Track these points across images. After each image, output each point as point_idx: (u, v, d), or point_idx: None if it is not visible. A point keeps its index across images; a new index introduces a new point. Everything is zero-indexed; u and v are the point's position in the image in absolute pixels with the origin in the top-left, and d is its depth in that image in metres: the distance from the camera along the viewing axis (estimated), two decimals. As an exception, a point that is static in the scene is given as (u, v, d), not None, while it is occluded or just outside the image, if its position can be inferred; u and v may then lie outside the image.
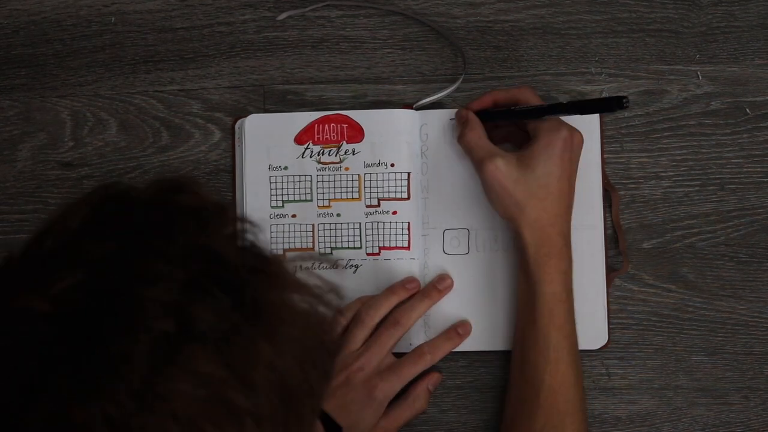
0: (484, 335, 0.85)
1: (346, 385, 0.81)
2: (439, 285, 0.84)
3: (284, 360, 0.49)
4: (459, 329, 0.84)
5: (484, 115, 0.83)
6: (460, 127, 0.83)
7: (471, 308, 0.85)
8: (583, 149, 0.84)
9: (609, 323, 0.85)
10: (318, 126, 0.87)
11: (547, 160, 0.78)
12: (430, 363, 0.83)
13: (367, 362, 0.81)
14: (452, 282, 0.85)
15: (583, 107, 0.79)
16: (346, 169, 0.86)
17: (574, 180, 0.81)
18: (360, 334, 0.83)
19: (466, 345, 0.85)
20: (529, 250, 0.79)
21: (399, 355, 0.83)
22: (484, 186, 0.81)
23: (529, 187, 0.78)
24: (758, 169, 0.86)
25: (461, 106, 0.86)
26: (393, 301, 0.84)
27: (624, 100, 0.75)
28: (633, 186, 0.86)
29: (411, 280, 0.85)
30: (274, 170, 0.87)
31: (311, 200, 0.87)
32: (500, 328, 0.85)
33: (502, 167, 0.79)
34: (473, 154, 0.81)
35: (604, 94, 0.87)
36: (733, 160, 0.86)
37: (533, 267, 0.79)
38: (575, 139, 0.80)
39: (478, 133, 0.82)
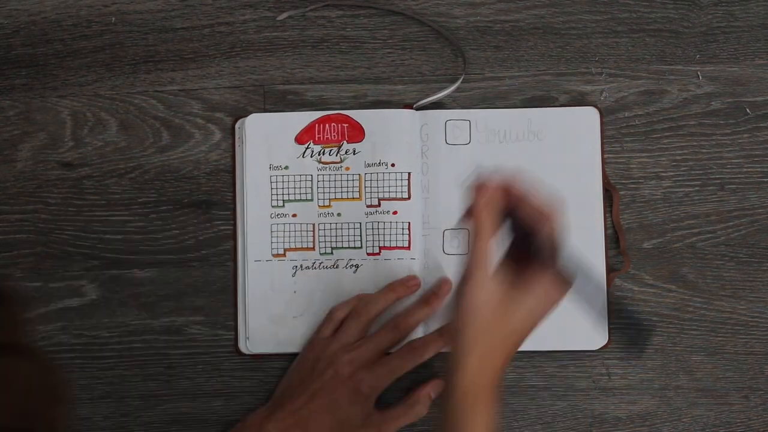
0: (485, 335, 0.85)
1: (333, 378, 0.80)
2: (439, 291, 0.84)
3: None
4: (438, 290, 0.83)
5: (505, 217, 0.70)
6: (476, 196, 0.69)
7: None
8: (583, 149, 0.85)
9: (609, 323, 0.85)
10: (318, 126, 0.87)
11: (530, 313, 0.68)
12: (420, 357, 0.82)
13: (357, 357, 0.81)
14: (452, 288, 0.85)
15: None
16: (347, 168, 0.86)
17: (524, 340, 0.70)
18: (354, 328, 0.82)
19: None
20: (456, 394, 0.67)
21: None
22: (461, 292, 0.68)
23: (496, 327, 0.67)
24: (758, 169, 0.86)
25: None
26: (391, 297, 0.84)
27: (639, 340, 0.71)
28: (633, 186, 0.86)
29: (412, 278, 0.85)
30: (274, 170, 0.87)
31: (312, 200, 0.87)
32: (500, 328, 0.85)
33: (487, 297, 0.67)
34: (471, 256, 0.68)
35: (604, 95, 0.87)
36: (733, 160, 0.86)
37: (458, 413, 0.67)
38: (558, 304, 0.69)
39: (486, 240, 0.68)
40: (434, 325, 0.85)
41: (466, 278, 0.68)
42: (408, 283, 0.84)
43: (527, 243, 0.68)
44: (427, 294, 0.84)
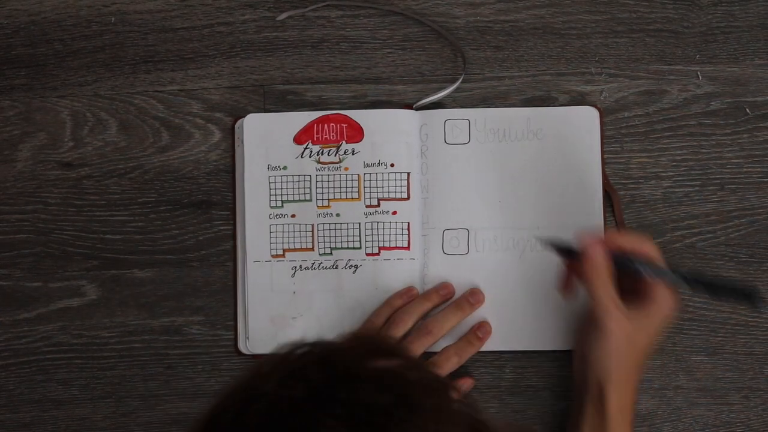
0: (484, 335, 0.85)
1: None
2: (472, 298, 0.84)
3: None
4: (470, 298, 0.84)
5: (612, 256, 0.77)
6: (588, 261, 0.75)
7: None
8: (583, 149, 0.85)
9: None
10: (317, 126, 0.87)
11: (657, 327, 0.76)
12: (457, 365, 0.83)
13: None
14: (484, 297, 0.85)
15: (718, 292, 0.77)
16: (346, 169, 0.86)
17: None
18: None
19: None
20: (610, 413, 0.75)
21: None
22: (597, 335, 0.75)
23: (636, 350, 0.76)
24: (758, 169, 0.86)
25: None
26: (427, 307, 0.84)
27: (759, 302, 0.73)
28: (633, 186, 0.86)
29: (445, 286, 0.85)
30: (273, 170, 0.87)
31: (311, 200, 0.87)
32: (499, 329, 0.85)
33: (626, 327, 0.74)
34: (598, 300, 0.75)
35: (604, 95, 0.87)
36: (733, 160, 0.86)
37: (610, 416, 0.75)
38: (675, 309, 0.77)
39: (606, 281, 0.75)
40: (456, 329, 0.85)
41: (603, 319, 0.75)
42: (440, 291, 0.85)
43: (630, 271, 0.76)
44: (460, 300, 0.85)
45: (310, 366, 0.49)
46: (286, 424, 0.46)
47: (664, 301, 0.76)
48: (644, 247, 0.76)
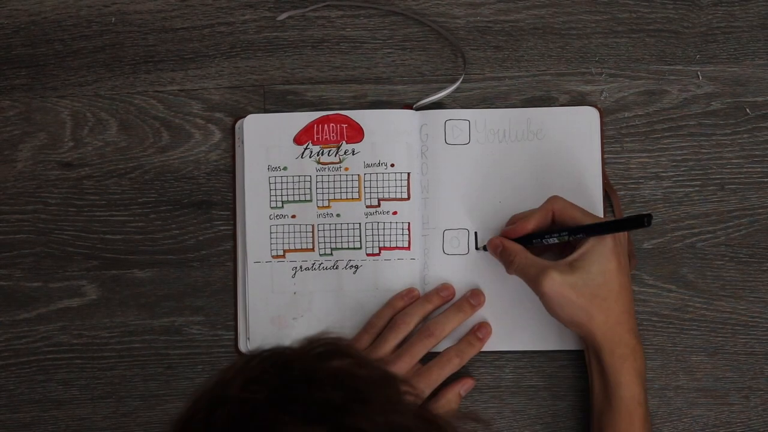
0: (484, 335, 0.85)
1: None
2: (473, 300, 0.85)
3: None
4: (471, 299, 0.84)
5: (520, 240, 0.82)
6: (502, 258, 0.82)
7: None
8: (583, 149, 0.85)
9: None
10: (317, 126, 0.87)
11: (600, 258, 0.77)
12: (458, 366, 0.83)
13: (398, 369, 0.81)
14: (485, 298, 0.85)
15: (609, 227, 0.77)
16: (346, 169, 0.86)
17: (629, 275, 0.79)
18: (393, 340, 0.83)
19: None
20: (604, 355, 0.78)
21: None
22: (544, 300, 0.79)
23: (589, 290, 0.77)
24: (758, 169, 0.86)
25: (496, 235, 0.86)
26: (428, 308, 0.84)
27: (646, 219, 0.73)
28: (633, 186, 0.86)
29: (446, 287, 0.85)
30: (273, 171, 0.87)
31: (311, 200, 0.87)
32: (499, 329, 0.85)
33: (557, 278, 0.77)
34: (525, 274, 0.80)
35: (604, 95, 0.87)
36: (733, 160, 0.86)
37: (610, 371, 0.78)
38: (620, 233, 0.79)
39: (522, 256, 0.80)
40: (457, 330, 0.85)
41: (536, 283, 0.78)
42: (441, 293, 0.85)
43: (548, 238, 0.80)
44: (461, 301, 0.85)
45: (269, 371, 0.52)
46: (249, 425, 0.49)
47: (588, 241, 0.78)
48: (529, 223, 0.81)
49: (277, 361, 0.53)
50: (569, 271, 0.77)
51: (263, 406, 0.50)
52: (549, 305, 0.78)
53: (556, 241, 0.79)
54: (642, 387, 0.78)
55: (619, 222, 0.78)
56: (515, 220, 0.83)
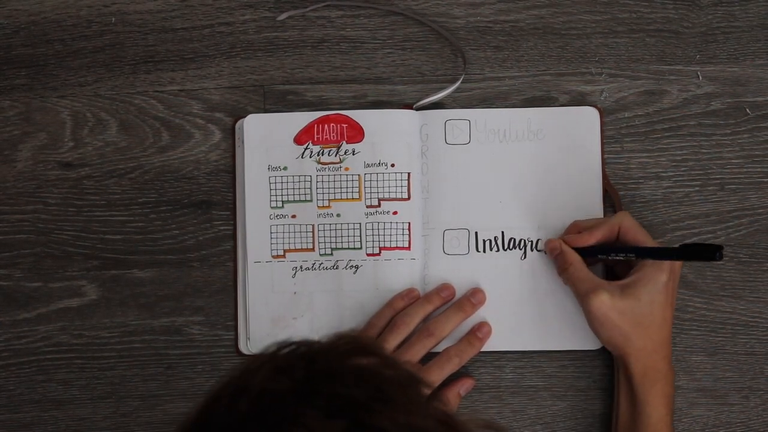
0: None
1: None
2: (473, 298, 0.85)
3: None
4: (472, 298, 0.85)
5: (581, 251, 0.82)
6: (557, 261, 0.83)
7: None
8: (583, 150, 0.85)
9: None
10: (317, 126, 0.87)
11: (651, 290, 0.78)
12: (458, 366, 0.83)
13: None
14: (485, 296, 0.85)
15: (677, 254, 0.77)
16: (346, 169, 0.86)
17: (674, 307, 0.80)
18: (393, 341, 0.83)
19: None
20: (635, 378, 0.79)
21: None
22: (588, 317, 0.80)
23: (634, 317, 0.78)
24: (758, 169, 0.86)
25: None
26: (428, 309, 0.84)
27: (718, 254, 0.72)
28: (633, 186, 0.86)
29: (446, 287, 0.85)
30: (273, 170, 0.87)
31: (311, 200, 0.87)
32: (499, 329, 0.85)
33: (607, 301, 0.78)
34: (576, 287, 0.81)
35: (604, 95, 0.87)
36: (733, 161, 0.86)
37: (639, 391, 0.79)
38: (676, 266, 0.79)
39: (577, 267, 0.81)
40: (456, 329, 0.85)
41: (585, 299, 0.79)
42: (441, 293, 0.85)
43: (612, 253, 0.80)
44: (462, 301, 0.85)
45: (294, 363, 0.52)
46: (271, 414, 0.49)
47: (645, 268, 0.78)
48: (594, 237, 0.81)
49: (305, 354, 0.53)
50: (620, 295, 0.78)
51: (287, 396, 0.50)
52: (592, 322, 0.80)
53: (622, 259, 0.80)
54: (669, 409, 0.79)
55: (688, 251, 0.76)
56: (579, 227, 0.83)
